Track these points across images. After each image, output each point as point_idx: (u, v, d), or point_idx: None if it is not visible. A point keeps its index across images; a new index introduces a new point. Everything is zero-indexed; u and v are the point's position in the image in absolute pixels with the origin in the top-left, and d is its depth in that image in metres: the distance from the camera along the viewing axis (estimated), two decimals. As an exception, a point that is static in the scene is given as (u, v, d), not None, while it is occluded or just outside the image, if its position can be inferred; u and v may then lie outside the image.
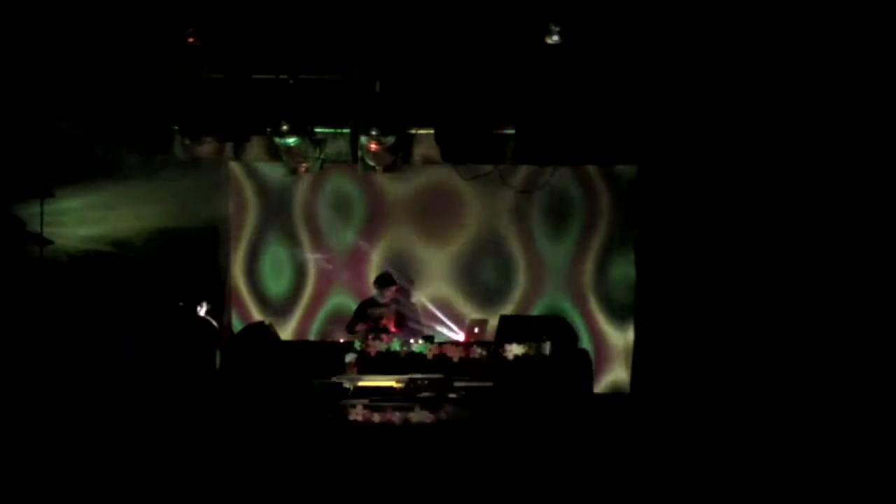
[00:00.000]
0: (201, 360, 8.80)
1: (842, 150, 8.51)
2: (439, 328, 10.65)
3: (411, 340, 9.47)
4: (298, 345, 10.34)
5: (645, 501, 6.75)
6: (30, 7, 8.15)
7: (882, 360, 8.18)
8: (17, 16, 8.15)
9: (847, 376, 8.27)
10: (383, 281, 10.16)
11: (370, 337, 9.50)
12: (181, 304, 9.27)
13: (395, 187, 11.12)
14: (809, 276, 8.71)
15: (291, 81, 8.87)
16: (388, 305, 10.07)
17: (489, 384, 8.86)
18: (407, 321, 10.24)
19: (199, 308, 9.51)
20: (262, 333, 10.02)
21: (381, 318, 9.97)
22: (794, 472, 6.98)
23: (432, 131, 9.51)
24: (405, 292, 10.73)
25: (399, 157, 9.82)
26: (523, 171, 10.85)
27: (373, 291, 10.27)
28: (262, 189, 11.12)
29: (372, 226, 11.23)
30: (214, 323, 9.72)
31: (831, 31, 8.11)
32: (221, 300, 10.67)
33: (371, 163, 9.93)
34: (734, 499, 6.76)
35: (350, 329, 9.99)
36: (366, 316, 10.02)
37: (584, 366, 9.48)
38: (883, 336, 8.24)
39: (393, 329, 9.86)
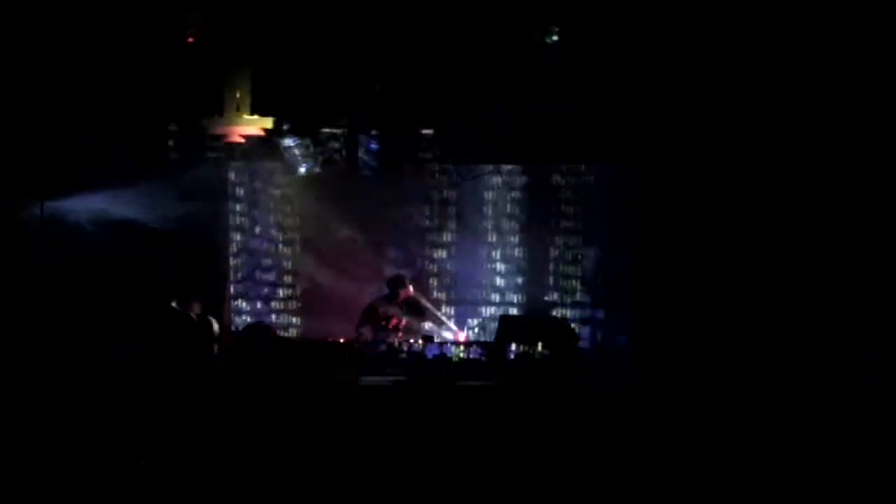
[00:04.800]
0: (199, 359, 8.79)
1: (845, 148, 8.51)
2: (439, 328, 10.64)
3: (411, 340, 9.47)
4: (299, 344, 10.33)
5: (644, 501, 6.76)
6: (27, 9, 8.16)
7: (884, 359, 8.17)
8: (14, 18, 8.16)
9: (845, 374, 8.26)
10: (396, 282, 10.13)
11: (375, 337, 9.53)
12: (174, 303, 9.24)
13: (395, 187, 11.11)
14: (810, 275, 8.71)
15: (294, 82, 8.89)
16: (399, 306, 10.05)
17: (488, 384, 8.86)
18: (419, 323, 10.20)
19: (193, 308, 9.46)
20: (262, 333, 10.02)
21: (391, 318, 9.94)
22: (793, 472, 6.99)
23: (432, 131, 9.51)
24: (423, 292, 10.73)
25: (399, 158, 9.82)
26: (522, 170, 10.86)
27: (384, 291, 10.26)
28: (262, 189, 11.11)
29: (372, 225, 11.23)
30: (215, 323, 9.70)
31: (832, 31, 8.11)
32: (221, 300, 10.67)
33: (371, 163, 9.92)
34: (733, 498, 6.76)
35: (358, 328, 9.98)
36: (376, 316, 9.99)
37: (584, 365, 9.48)
38: (884, 335, 8.23)
39: (401, 333, 9.83)
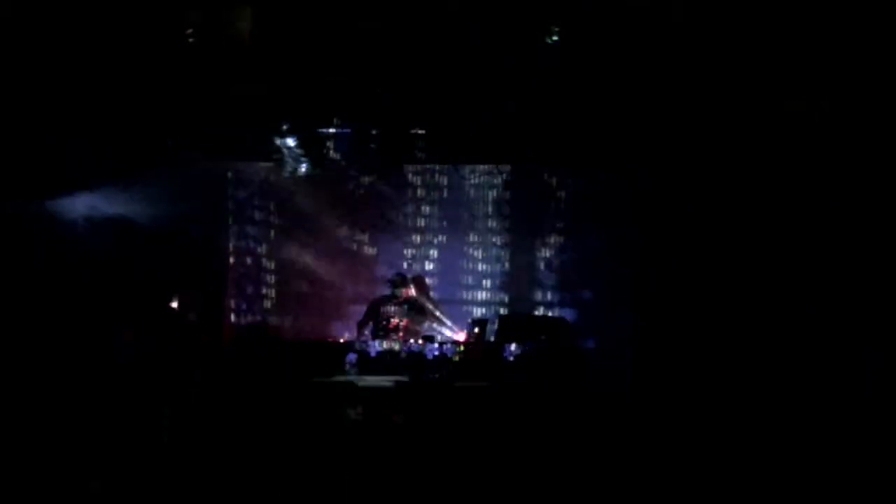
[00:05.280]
0: (199, 359, 8.79)
1: (844, 148, 8.50)
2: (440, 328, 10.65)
3: (412, 341, 9.48)
4: (298, 344, 10.33)
5: (644, 501, 6.76)
6: (25, 9, 8.16)
7: (884, 359, 8.17)
8: (14, 18, 8.16)
9: (845, 374, 8.26)
10: (398, 281, 10.14)
11: (374, 337, 9.54)
12: (173, 303, 9.21)
13: (395, 187, 11.14)
14: (810, 276, 8.71)
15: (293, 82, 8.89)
16: (401, 305, 10.06)
17: (488, 384, 8.87)
18: (420, 323, 10.20)
19: (192, 308, 9.45)
20: (261, 333, 10.03)
21: (392, 317, 9.95)
22: (793, 472, 6.99)
23: (431, 131, 9.51)
24: (425, 292, 10.74)
25: (399, 157, 9.82)
26: (523, 171, 10.87)
27: (386, 291, 10.27)
28: (262, 189, 11.12)
29: (371, 225, 11.26)
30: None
31: (833, 32, 8.11)
32: (220, 300, 10.67)
33: (370, 162, 9.93)
34: (734, 498, 6.76)
35: (359, 327, 10.00)
36: (378, 314, 10.01)
37: (584, 365, 9.48)
38: (884, 335, 8.23)
39: (402, 333, 9.83)
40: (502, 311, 11.08)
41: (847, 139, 8.40)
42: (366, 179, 11.01)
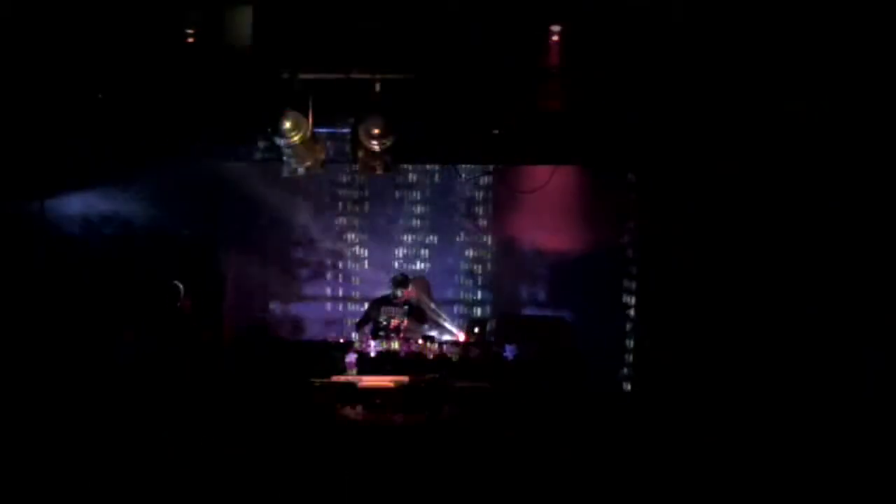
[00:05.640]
0: (198, 359, 8.79)
1: (844, 148, 8.51)
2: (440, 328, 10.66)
3: (411, 341, 9.48)
4: (298, 344, 10.34)
5: (644, 502, 6.77)
6: (25, 9, 8.16)
7: (884, 359, 8.17)
8: (13, 17, 8.16)
9: (845, 374, 8.26)
10: (399, 281, 10.15)
11: (373, 336, 9.54)
12: (174, 303, 9.16)
13: (395, 187, 11.14)
14: (810, 275, 8.71)
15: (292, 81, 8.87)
16: (401, 306, 10.07)
17: (488, 384, 8.87)
18: (420, 323, 10.20)
19: (192, 308, 9.44)
20: (261, 333, 10.02)
21: (392, 317, 9.96)
22: (793, 473, 7.00)
23: (431, 131, 9.50)
24: (427, 292, 10.74)
25: (399, 157, 9.80)
26: (523, 171, 10.86)
27: (387, 291, 10.28)
28: (262, 189, 11.12)
29: (372, 226, 11.27)
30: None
31: (832, 30, 8.12)
32: (220, 301, 10.67)
33: (371, 163, 9.91)
34: (734, 499, 6.77)
35: (358, 326, 10.02)
36: (378, 314, 10.02)
37: (583, 365, 9.49)
38: (884, 335, 8.23)
39: (402, 333, 9.84)
40: (501, 311, 11.10)
41: (847, 139, 8.40)
42: (365, 179, 11.01)
